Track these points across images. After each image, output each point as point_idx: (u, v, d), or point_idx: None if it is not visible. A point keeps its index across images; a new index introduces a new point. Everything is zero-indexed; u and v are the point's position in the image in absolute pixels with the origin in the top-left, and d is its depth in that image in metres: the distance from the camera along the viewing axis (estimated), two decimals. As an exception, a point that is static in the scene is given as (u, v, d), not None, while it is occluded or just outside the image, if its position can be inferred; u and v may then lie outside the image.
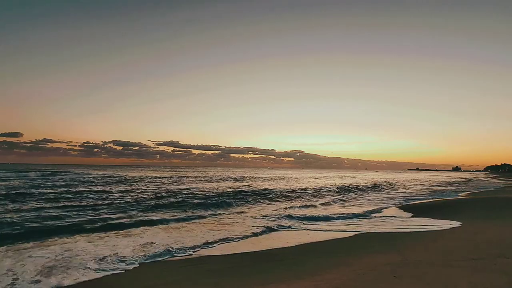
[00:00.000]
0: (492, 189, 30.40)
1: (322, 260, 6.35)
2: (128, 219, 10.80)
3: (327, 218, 12.31)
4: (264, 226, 10.16)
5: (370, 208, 15.72)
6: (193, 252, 7.25)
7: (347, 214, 13.48)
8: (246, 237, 8.80)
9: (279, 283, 4.90)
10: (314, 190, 24.87)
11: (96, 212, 11.72)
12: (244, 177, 45.88)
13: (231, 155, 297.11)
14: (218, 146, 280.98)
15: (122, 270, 5.93)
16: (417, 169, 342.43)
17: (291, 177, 51.73)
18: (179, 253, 7.08)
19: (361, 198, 21.57)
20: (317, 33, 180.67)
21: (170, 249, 7.25)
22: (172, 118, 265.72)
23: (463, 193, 26.06)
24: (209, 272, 5.75)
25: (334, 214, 13.39)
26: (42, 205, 12.79)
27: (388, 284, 4.42)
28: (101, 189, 20.50)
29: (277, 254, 7.07)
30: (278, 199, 19.01)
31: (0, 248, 7.05)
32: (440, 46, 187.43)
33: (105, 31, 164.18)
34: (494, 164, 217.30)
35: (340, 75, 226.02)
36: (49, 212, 11.31)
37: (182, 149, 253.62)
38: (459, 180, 55.55)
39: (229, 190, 21.97)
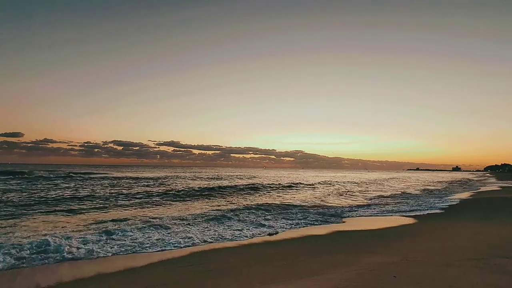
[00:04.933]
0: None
1: (321, 259, 6.34)
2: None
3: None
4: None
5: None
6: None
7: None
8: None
9: (278, 282, 4.89)
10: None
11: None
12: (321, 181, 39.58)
13: (232, 155, 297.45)
14: (219, 146, 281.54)
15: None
16: (417, 169, 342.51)
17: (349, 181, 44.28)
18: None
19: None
20: (317, 32, 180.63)
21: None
22: (172, 118, 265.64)
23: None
24: (208, 271, 5.74)
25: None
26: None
27: (388, 284, 4.41)
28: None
29: (276, 253, 7.06)
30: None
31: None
32: (440, 45, 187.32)
33: (105, 31, 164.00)
34: (494, 164, 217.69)
35: (341, 74, 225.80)
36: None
37: (183, 149, 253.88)
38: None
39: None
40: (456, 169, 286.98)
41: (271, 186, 29.16)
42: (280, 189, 26.80)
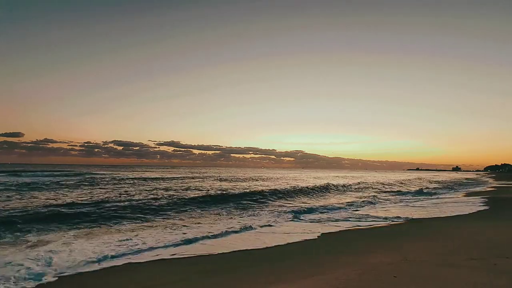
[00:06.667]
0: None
1: (322, 260, 6.35)
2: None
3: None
4: None
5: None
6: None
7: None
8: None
9: (279, 283, 4.90)
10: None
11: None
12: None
13: (232, 155, 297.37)
14: (219, 146, 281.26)
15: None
16: (417, 169, 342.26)
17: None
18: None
19: None
20: (317, 32, 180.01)
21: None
22: (172, 118, 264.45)
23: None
24: (209, 272, 5.75)
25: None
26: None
27: (388, 284, 4.42)
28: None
29: (277, 253, 7.08)
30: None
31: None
32: (440, 45, 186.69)
33: (105, 31, 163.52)
34: (494, 164, 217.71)
35: (341, 74, 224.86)
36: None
37: (183, 149, 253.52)
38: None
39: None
40: (456, 169, 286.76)
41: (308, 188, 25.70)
42: (318, 192, 24.54)
